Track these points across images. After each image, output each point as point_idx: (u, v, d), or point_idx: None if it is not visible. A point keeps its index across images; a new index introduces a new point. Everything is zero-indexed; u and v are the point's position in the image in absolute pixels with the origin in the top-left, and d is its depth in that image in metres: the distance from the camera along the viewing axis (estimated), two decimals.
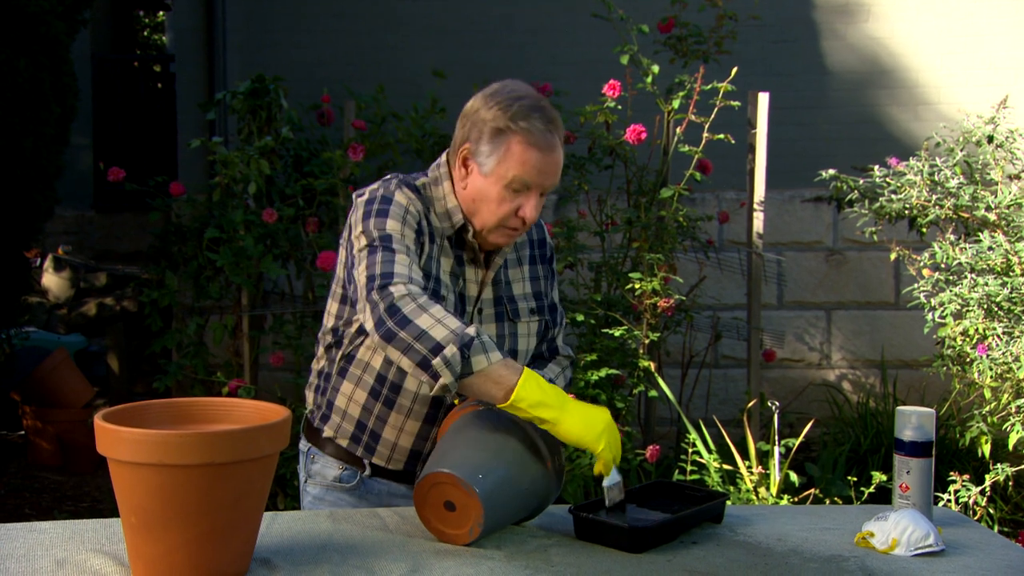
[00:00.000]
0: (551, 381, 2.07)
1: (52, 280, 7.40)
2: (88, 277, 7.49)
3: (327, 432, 2.04)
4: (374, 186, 1.97)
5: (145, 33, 13.73)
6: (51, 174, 5.07)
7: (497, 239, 1.97)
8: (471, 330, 1.74)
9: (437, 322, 1.74)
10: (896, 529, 1.78)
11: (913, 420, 1.91)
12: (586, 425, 1.75)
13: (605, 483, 1.82)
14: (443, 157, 2.02)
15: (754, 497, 3.76)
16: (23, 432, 5.88)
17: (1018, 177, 4.19)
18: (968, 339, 3.88)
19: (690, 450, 3.85)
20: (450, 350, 1.71)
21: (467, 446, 1.77)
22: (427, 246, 1.93)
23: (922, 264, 4.04)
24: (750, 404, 4.26)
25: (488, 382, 1.73)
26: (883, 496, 3.48)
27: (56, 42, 4.83)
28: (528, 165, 1.89)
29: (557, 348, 2.18)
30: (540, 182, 1.91)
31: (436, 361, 1.72)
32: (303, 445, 2.10)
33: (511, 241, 2.00)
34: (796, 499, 3.78)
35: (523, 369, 1.75)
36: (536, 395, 1.73)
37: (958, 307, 3.83)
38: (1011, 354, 3.71)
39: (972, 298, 3.78)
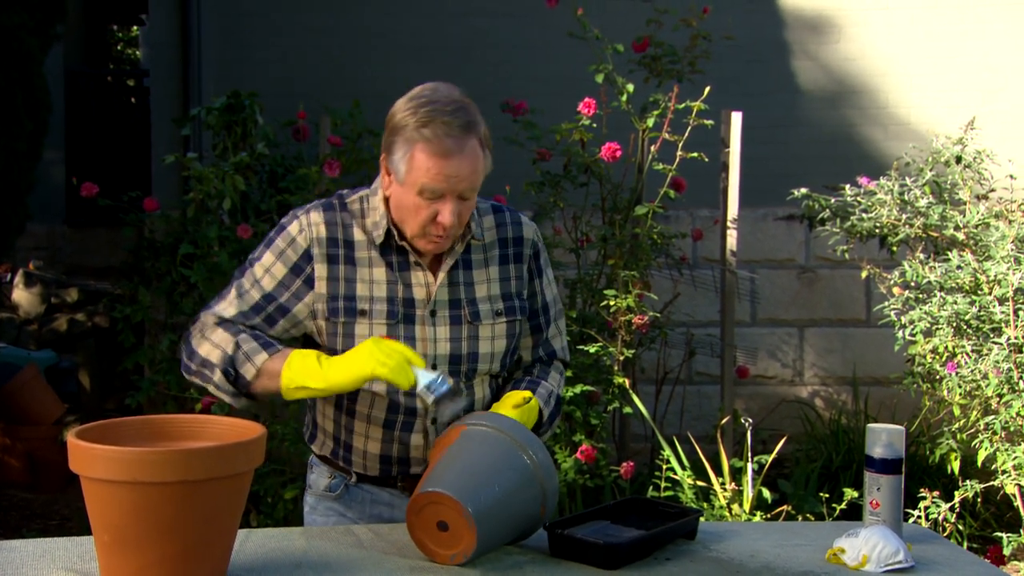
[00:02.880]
0: (551, 393, 2.06)
1: (22, 296, 7.32)
2: (59, 293, 7.41)
3: (316, 448, 2.10)
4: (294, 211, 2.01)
5: (119, 47, 13.64)
6: (23, 189, 5.03)
7: (426, 246, 1.91)
8: (229, 347, 1.86)
9: (214, 347, 1.88)
10: (867, 545, 1.80)
11: (883, 437, 1.93)
12: (351, 366, 1.79)
13: (419, 390, 1.80)
14: None
15: (727, 514, 3.77)
16: None
17: (986, 197, 4.25)
18: (938, 357, 3.93)
19: (664, 466, 3.86)
20: (216, 375, 1.87)
21: (476, 473, 1.75)
22: (332, 267, 1.92)
23: (892, 282, 4.08)
24: (723, 421, 4.28)
25: (265, 380, 1.85)
26: (855, 512, 3.51)
27: (29, 57, 4.80)
28: (432, 173, 1.82)
29: (555, 351, 2.12)
30: (451, 188, 1.84)
31: (211, 388, 1.89)
32: (311, 457, 2.16)
33: (441, 248, 1.92)
34: (769, 516, 3.80)
35: (289, 353, 1.83)
36: (297, 375, 1.81)
37: (928, 325, 3.87)
38: (979, 372, 3.76)
39: (941, 316, 3.83)
